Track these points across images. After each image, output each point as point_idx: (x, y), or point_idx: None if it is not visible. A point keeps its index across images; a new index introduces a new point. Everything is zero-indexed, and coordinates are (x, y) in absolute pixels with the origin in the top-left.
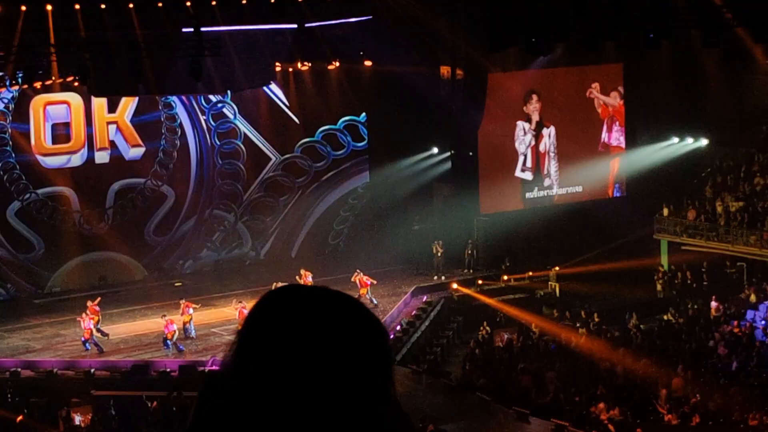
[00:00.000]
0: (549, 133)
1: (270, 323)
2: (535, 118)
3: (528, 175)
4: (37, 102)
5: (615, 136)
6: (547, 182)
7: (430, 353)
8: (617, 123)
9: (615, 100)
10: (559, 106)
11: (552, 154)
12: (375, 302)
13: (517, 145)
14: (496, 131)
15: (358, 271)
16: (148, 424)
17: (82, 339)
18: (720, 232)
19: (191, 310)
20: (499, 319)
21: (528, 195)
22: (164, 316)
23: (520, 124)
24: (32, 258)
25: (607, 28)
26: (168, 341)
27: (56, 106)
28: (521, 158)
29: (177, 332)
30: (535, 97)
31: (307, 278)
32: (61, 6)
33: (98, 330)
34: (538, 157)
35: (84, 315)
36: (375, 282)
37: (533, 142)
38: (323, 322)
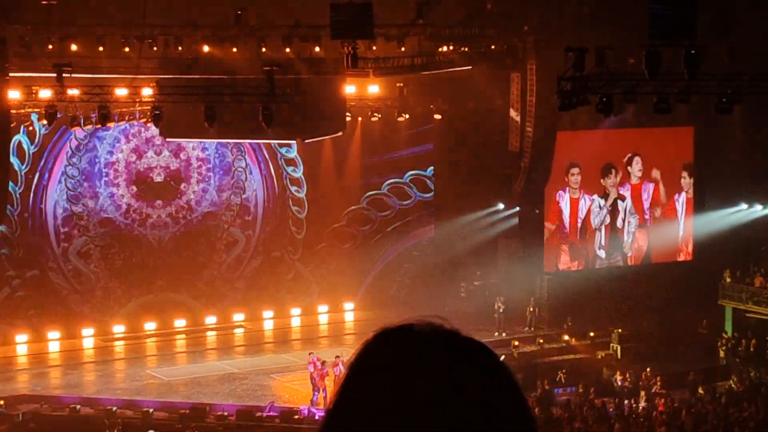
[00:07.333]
0: (625, 204)
1: (376, 373)
2: (613, 192)
3: (602, 253)
4: None
5: (681, 201)
6: (614, 249)
7: None
8: (685, 189)
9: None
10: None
11: (627, 221)
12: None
13: (591, 218)
14: (561, 189)
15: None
16: None
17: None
18: None
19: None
20: (558, 378)
21: (593, 256)
22: (338, 356)
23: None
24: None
25: (679, 91)
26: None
27: None
28: (597, 234)
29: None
30: (612, 171)
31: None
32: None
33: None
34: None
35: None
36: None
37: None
38: (444, 379)
